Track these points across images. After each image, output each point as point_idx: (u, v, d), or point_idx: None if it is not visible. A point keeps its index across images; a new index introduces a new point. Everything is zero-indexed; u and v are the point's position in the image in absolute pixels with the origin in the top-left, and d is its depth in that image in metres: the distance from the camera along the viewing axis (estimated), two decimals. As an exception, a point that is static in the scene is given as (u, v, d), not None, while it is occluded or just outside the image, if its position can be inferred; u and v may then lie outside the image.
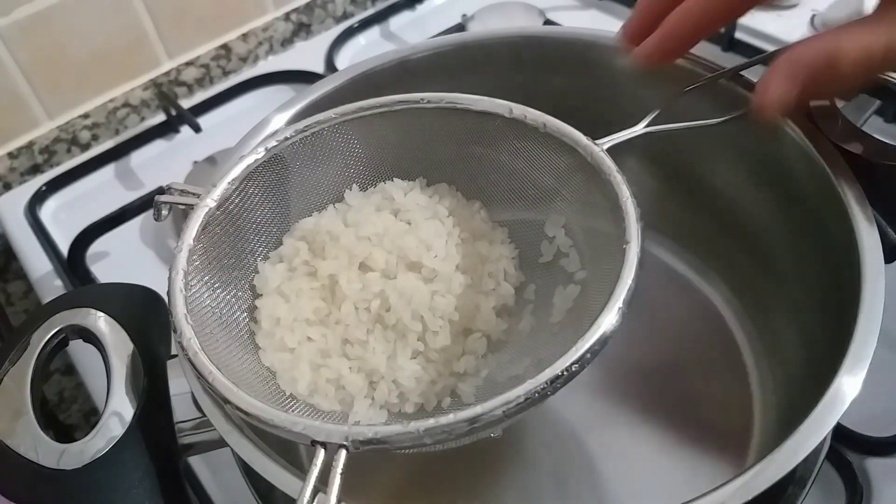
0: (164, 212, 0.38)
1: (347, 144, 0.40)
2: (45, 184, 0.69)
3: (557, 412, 0.45)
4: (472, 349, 0.37)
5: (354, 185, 0.41)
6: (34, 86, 0.71)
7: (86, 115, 0.75)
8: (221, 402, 0.31)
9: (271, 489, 0.31)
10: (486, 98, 0.38)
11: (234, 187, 0.37)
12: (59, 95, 0.73)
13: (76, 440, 0.35)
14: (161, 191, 0.38)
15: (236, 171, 0.38)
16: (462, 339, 0.37)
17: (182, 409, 0.36)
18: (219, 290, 0.36)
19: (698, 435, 0.44)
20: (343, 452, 0.28)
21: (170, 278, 0.34)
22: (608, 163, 0.35)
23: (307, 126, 0.39)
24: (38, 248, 0.64)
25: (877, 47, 0.33)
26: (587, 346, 0.29)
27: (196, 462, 0.48)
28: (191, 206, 0.37)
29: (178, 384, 0.36)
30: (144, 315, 0.40)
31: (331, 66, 0.76)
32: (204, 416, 0.33)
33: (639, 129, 0.38)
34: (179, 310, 0.33)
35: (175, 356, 0.36)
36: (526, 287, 0.40)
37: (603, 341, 0.30)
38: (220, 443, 0.33)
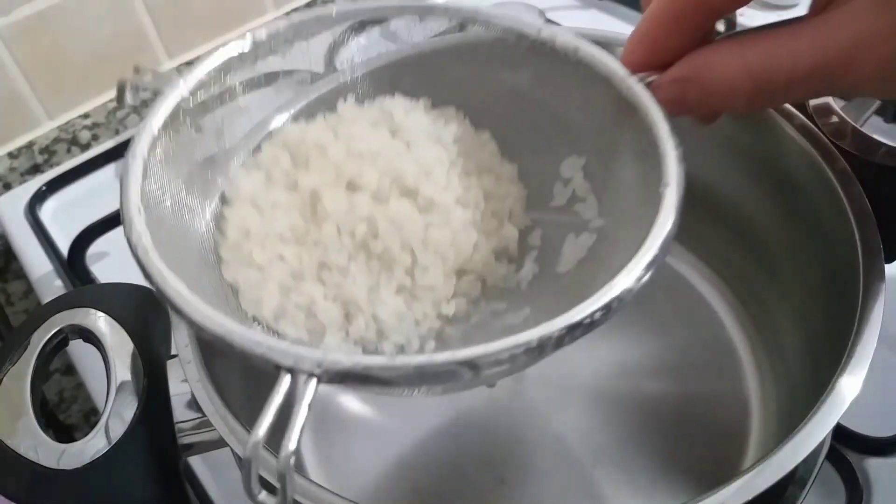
0: (129, 97, 0.35)
1: (346, 48, 0.37)
2: (45, 184, 0.69)
3: (556, 414, 0.45)
4: (463, 291, 0.34)
5: (350, 95, 0.37)
6: (34, 86, 0.71)
7: (86, 115, 0.75)
8: (174, 310, 0.26)
9: (271, 489, 0.31)
10: (510, 14, 0.34)
11: (211, 77, 0.33)
12: (59, 95, 0.73)
13: (76, 440, 0.35)
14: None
15: (217, 58, 0.33)
16: (454, 279, 0.33)
17: (182, 410, 0.36)
18: (182, 193, 0.32)
19: (698, 435, 0.44)
20: (313, 382, 0.24)
21: (125, 163, 0.30)
22: (647, 97, 0.31)
23: (303, 21, 0.35)
24: (38, 248, 0.63)
25: (784, 69, 0.28)
26: (615, 293, 0.26)
27: (196, 462, 0.48)
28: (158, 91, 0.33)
29: (179, 384, 0.36)
30: (145, 315, 0.40)
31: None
32: (204, 416, 0.33)
33: None
34: (132, 199, 0.29)
35: (175, 356, 0.36)
36: (531, 232, 0.36)
37: (637, 286, 0.26)
38: (220, 443, 0.33)
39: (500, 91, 0.36)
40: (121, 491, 0.34)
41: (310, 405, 0.24)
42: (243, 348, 0.25)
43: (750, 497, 0.28)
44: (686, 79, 0.30)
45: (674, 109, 0.30)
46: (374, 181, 0.33)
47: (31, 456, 0.34)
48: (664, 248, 0.27)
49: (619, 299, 0.26)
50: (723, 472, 0.42)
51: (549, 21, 0.76)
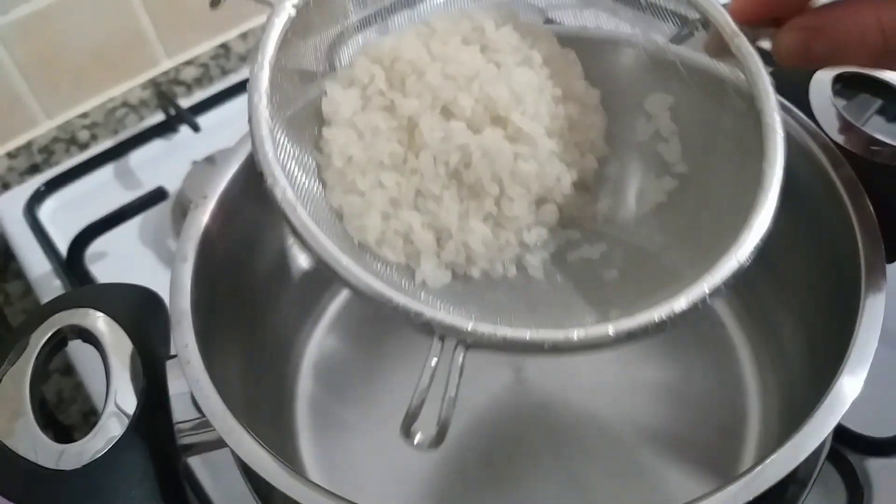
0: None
1: None
2: (44, 183, 0.68)
3: (556, 414, 0.45)
4: (543, 221, 0.35)
5: None
6: (32, 85, 0.70)
7: (84, 115, 0.75)
8: (333, 274, 0.29)
9: (271, 490, 0.31)
10: None
11: None
12: (57, 95, 0.73)
13: (75, 440, 0.35)
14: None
15: None
16: (534, 208, 0.35)
17: (181, 410, 0.36)
18: (289, 117, 0.33)
19: (698, 436, 0.44)
20: (461, 349, 0.28)
21: (251, 106, 0.31)
22: (757, 63, 0.31)
23: None
24: (37, 248, 0.63)
25: None
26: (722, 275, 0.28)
27: (195, 462, 0.48)
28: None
29: (178, 384, 0.36)
30: (144, 315, 0.39)
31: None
32: (203, 416, 0.33)
33: None
34: (268, 151, 0.30)
35: (174, 356, 0.36)
36: (609, 163, 0.37)
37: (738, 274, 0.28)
38: (220, 443, 0.33)
39: (595, 12, 0.37)
40: (120, 492, 0.34)
41: (461, 368, 0.27)
42: (403, 312, 0.28)
43: (750, 497, 0.28)
44: (817, 28, 0.30)
45: (795, 57, 0.31)
46: (468, 108, 0.34)
47: (29, 456, 0.34)
48: (765, 237, 0.29)
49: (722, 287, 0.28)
50: (723, 472, 0.42)
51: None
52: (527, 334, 0.28)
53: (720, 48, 0.32)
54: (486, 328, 0.28)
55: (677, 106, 0.36)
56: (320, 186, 0.34)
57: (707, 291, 0.28)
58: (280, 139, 0.32)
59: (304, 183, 0.33)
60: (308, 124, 0.35)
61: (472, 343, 0.28)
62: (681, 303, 0.28)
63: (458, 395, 0.27)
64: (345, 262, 0.29)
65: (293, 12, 0.33)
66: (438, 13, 0.37)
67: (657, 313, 0.28)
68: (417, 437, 0.27)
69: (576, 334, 0.27)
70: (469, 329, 0.28)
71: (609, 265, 0.35)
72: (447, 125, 0.34)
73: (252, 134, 0.30)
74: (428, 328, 0.28)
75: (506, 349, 0.28)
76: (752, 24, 0.31)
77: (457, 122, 0.34)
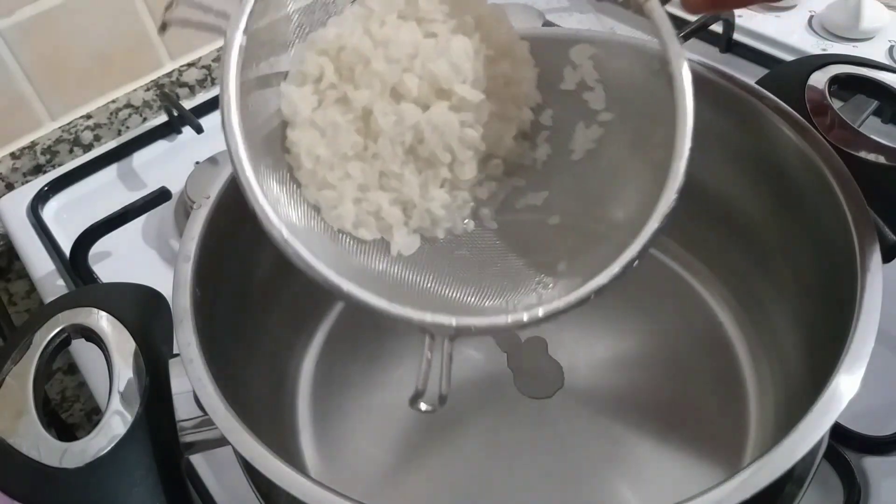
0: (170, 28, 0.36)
1: None
2: (48, 184, 0.69)
3: (553, 412, 0.45)
4: (492, 175, 0.38)
5: None
6: (36, 86, 0.71)
7: (88, 116, 0.75)
8: (321, 282, 0.31)
9: (272, 487, 0.31)
10: None
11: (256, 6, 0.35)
12: (61, 96, 0.73)
13: (78, 439, 0.35)
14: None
15: None
16: (483, 165, 0.38)
17: (184, 408, 0.36)
18: (254, 133, 0.34)
19: (696, 434, 0.44)
20: (447, 340, 0.31)
21: (231, 151, 0.32)
22: (668, 25, 0.33)
23: None
24: (41, 247, 0.64)
25: None
26: (650, 233, 0.32)
27: (198, 460, 0.48)
28: (204, 26, 0.36)
29: (180, 383, 0.36)
30: (147, 314, 0.40)
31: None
32: (205, 414, 0.33)
33: None
34: (249, 174, 0.32)
35: (177, 355, 0.36)
36: (543, 111, 0.40)
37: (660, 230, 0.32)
38: (222, 441, 0.33)
39: None
40: (122, 489, 0.34)
41: (451, 355, 0.31)
42: (398, 319, 0.31)
43: (748, 495, 0.29)
44: None
45: (703, 3, 0.33)
46: (414, 88, 0.36)
47: (33, 455, 0.34)
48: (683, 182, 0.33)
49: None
50: (720, 470, 0.42)
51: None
52: (501, 320, 0.31)
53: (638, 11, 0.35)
54: (466, 321, 0.31)
55: (599, 57, 0.38)
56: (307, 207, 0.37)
57: (637, 251, 0.32)
58: (263, 171, 0.34)
59: (289, 203, 0.36)
60: (276, 132, 0.37)
61: (455, 334, 0.31)
62: (614, 268, 0.31)
63: (451, 374, 0.31)
64: (346, 287, 0.31)
65: (244, 41, 0.34)
66: None
67: (599, 280, 0.31)
68: (423, 406, 0.31)
69: (540, 311, 0.31)
70: (453, 325, 0.31)
71: (551, 211, 0.39)
72: (398, 108, 0.36)
73: (238, 178, 0.32)
74: (420, 328, 0.31)
75: (484, 334, 0.32)
76: None
77: (406, 104, 0.36)
